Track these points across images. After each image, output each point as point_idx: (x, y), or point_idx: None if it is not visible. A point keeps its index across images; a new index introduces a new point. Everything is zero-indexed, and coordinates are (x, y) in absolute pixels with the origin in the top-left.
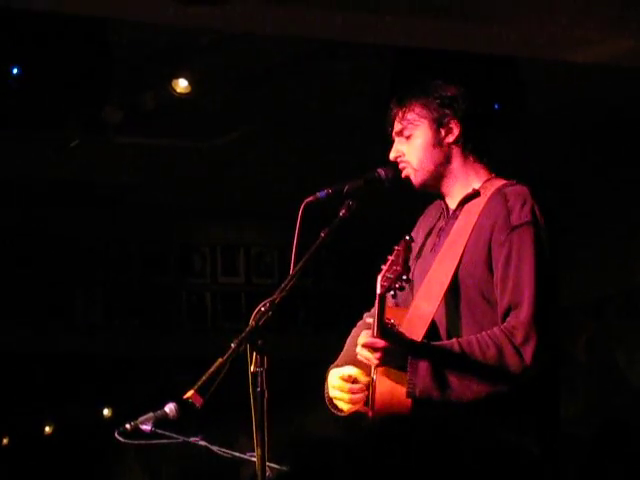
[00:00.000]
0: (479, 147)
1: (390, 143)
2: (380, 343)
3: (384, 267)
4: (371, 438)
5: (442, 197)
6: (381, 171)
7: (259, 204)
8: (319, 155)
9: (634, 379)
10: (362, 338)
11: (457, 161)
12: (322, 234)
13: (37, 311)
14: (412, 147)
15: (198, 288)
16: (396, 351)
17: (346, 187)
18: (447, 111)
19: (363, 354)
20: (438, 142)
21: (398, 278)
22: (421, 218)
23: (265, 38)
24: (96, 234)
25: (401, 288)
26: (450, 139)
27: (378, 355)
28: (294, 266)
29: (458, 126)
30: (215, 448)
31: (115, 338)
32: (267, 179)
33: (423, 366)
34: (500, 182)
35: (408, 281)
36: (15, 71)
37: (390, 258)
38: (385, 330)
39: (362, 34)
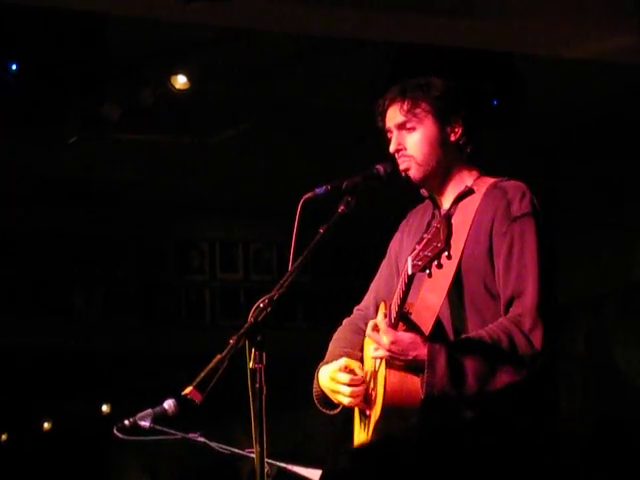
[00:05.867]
0: (475, 148)
1: (384, 136)
2: (392, 334)
3: (418, 246)
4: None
5: (432, 196)
6: (379, 167)
7: (258, 200)
8: (318, 151)
9: (632, 376)
10: (379, 320)
11: (455, 160)
12: (321, 230)
13: (36, 308)
14: (415, 141)
15: (197, 284)
16: (410, 342)
17: (344, 183)
18: (453, 110)
19: (373, 337)
20: (442, 139)
21: (437, 255)
22: (402, 224)
23: (264, 34)
24: (94, 231)
25: (439, 265)
26: (453, 138)
27: (391, 338)
28: (293, 262)
29: (461, 127)
30: (214, 444)
31: (114, 334)
32: (265, 175)
33: (440, 366)
34: (491, 179)
35: (449, 257)
36: (14, 68)
37: (426, 237)
38: (404, 316)
39: (360, 30)
